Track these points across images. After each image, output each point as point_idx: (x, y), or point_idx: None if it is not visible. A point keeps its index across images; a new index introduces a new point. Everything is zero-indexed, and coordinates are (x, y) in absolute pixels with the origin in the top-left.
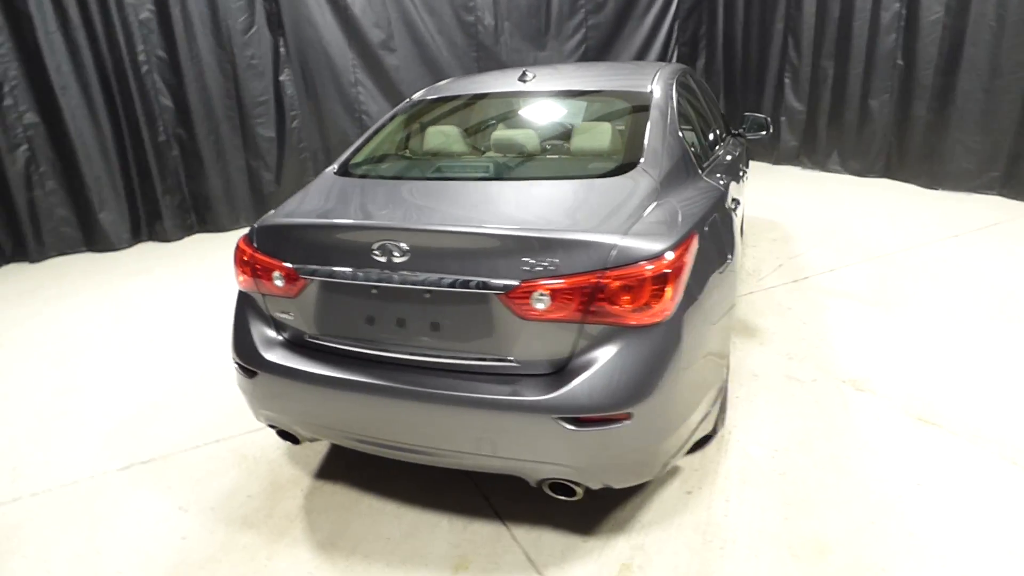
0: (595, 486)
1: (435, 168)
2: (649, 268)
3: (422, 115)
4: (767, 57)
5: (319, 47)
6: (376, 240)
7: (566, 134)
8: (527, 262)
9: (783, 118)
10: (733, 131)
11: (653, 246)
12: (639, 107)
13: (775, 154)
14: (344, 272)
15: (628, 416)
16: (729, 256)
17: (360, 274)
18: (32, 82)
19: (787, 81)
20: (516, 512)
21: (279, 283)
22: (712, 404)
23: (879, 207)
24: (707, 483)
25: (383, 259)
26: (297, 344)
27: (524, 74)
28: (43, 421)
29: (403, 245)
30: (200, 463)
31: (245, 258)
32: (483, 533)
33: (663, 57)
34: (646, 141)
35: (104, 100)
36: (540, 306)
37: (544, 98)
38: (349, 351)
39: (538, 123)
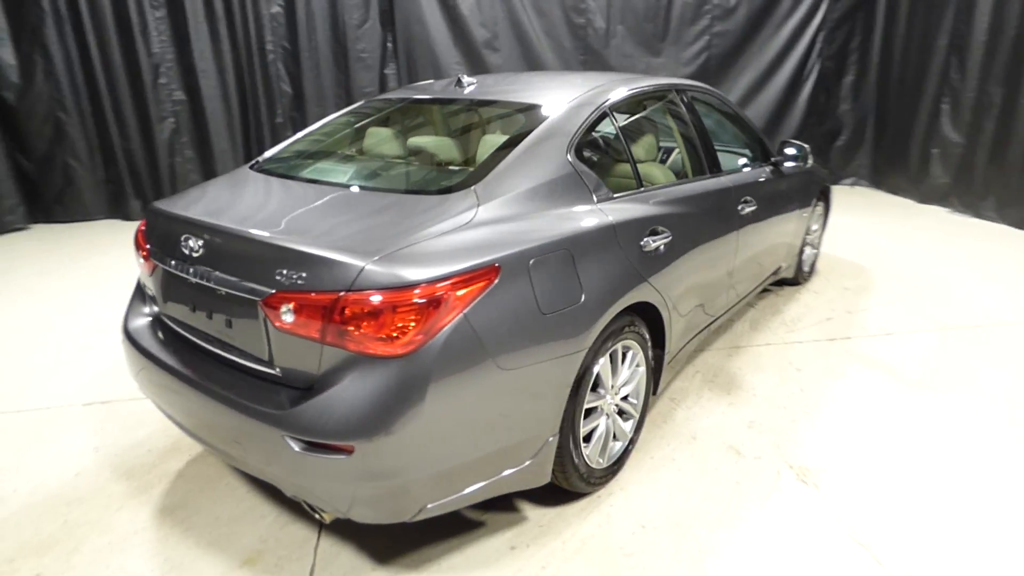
0: (339, 515)
1: (310, 168)
2: (391, 296)
3: (356, 116)
4: (924, 77)
5: (425, 44)
6: (183, 233)
7: (440, 145)
8: (282, 272)
9: (935, 150)
10: (774, 159)
11: (408, 274)
12: (529, 124)
13: (921, 190)
14: (163, 259)
15: (350, 449)
16: (582, 297)
17: (172, 263)
18: (181, 65)
19: (944, 107)
20: (339, 522)
21: (142, 261)
22: (530, 458)
23: (1016, 268)
24: (539, 543)
25: (186, 252)
26: (156, 321)
27: (460, 80)
28: (66, 352)
29: (200, 240)
30: (141, 411)
31: (137, 234)
32: (295, 535)
33: (800, 73)
34: (502, 160)
35: (235, 83)
36: (288, 319)
37: (453, 106)
38: (184, 335)
39: (427, 132)
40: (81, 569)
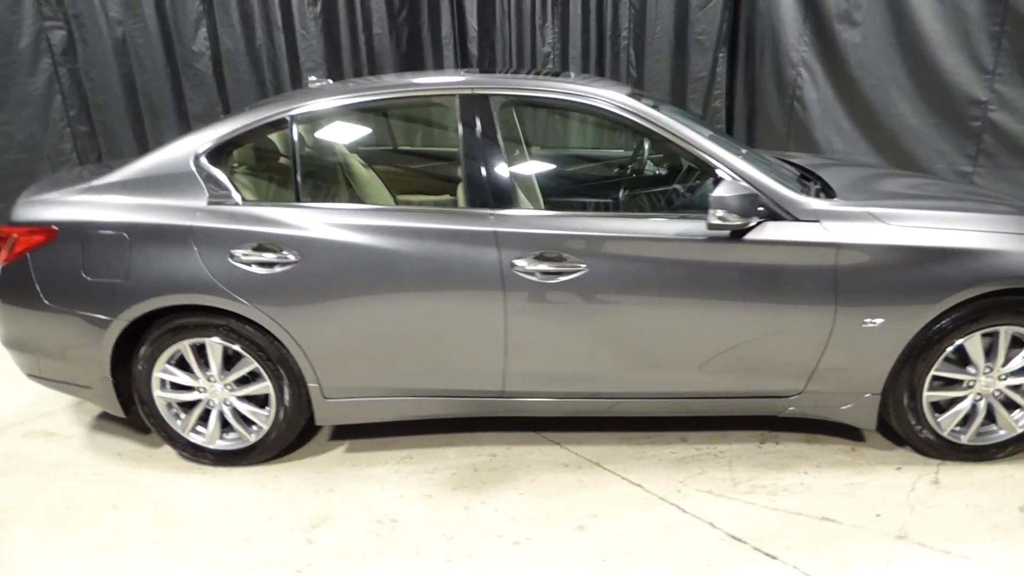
0: None
1: None
2: None
3: None
4: None
5: (767, 20)
6: None
7: None
8: None
9: None
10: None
11: (12, 214)
12: None
13: None
14: None
15: None
16: (125, 277)
17: None
18: (563, 53)
19: None
20: None
21: None
22: (90, 385)
23: None
24: (132, 464)
25: None
26: None
27: (304, 82)
28: None
29: None
30: None
31: None
32: None
33: None
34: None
35: (595, 69)
36: None
37: None
38: None
39: None
40: None
